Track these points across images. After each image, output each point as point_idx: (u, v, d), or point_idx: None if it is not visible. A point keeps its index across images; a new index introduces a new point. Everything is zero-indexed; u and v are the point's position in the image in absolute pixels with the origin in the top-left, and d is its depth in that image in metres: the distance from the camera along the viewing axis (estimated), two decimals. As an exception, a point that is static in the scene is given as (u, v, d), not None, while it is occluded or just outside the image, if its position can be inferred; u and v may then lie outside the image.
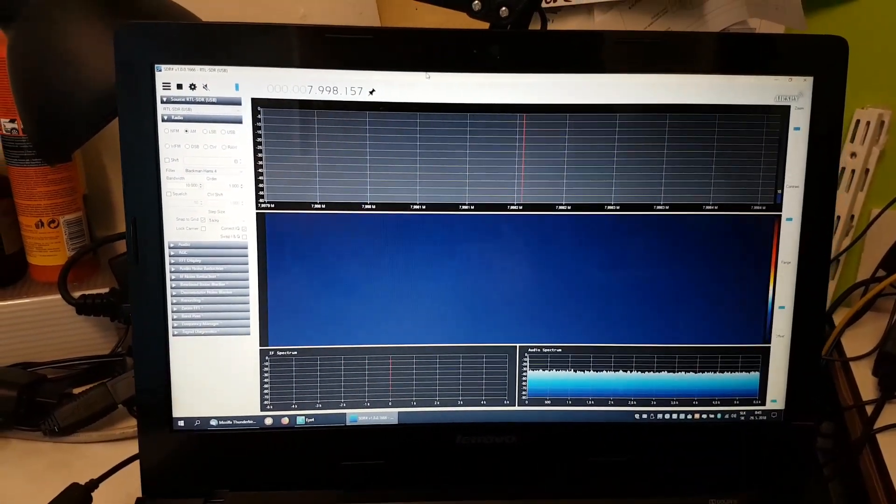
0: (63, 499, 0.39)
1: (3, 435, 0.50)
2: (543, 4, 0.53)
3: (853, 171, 0.69)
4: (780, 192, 0.42)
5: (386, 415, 0.42)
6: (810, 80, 0.41)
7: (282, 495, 0.40)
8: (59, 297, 0.56)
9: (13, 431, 0.50)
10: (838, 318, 0.66)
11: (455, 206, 0.40)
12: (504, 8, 0.39)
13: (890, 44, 0.65)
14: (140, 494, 0.40)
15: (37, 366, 0.56)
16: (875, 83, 0.67)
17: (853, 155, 0.69)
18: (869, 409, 0.53)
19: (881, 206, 0.67)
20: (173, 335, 0.40)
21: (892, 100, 0.67)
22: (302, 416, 0.42)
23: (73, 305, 0.56)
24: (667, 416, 0.43)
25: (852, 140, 0.69)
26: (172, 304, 0.40)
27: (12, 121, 0.54)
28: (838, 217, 0.70)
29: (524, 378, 0.43)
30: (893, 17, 0.64)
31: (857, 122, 0.68)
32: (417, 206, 0.40)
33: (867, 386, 0.56)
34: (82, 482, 0.41)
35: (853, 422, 0.55)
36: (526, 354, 0.42)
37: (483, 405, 0.43)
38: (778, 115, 0.41)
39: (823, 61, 0.41)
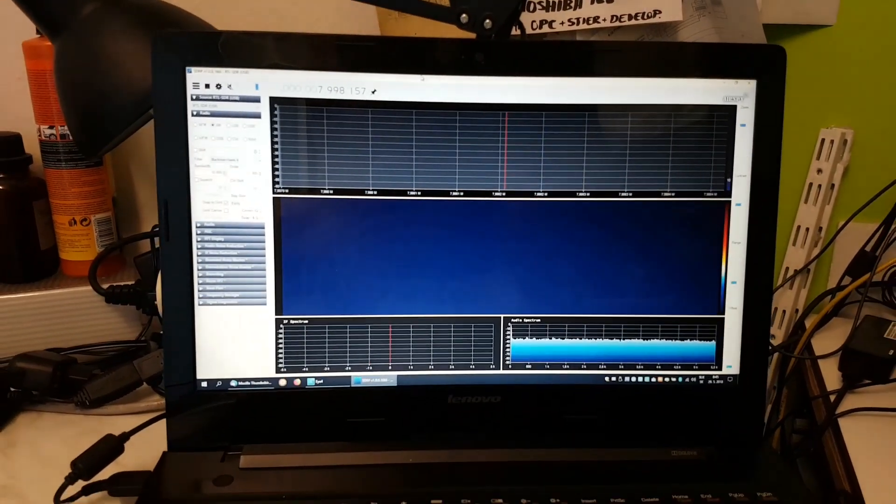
0: (99, 446, 0.44)
1: (38, 408, 0.55)
2: (530, 31, 0.59)
3: (819, 186, 0.74)
4: (729, 180, 0.48)
5: (386, 377, 0.48)
6: (754, 82, 0.47)
7: (295, 447, 0.45)
8: (89, 288, 0.62)
9: (47, 405, 0.55)
10: (809, 322, 0.71)
11: (446, 193, 0.46)
12: (488, 20, 0.46)
13: (853, 69, 0.71)
14: (166, 448, 0.45)
15: (68, 350, 0.61)
16: (839, 105, 0.73)
17: (819, 171, 0.74)
18: (833, 399, 0.58)
19: (846, 219, 0.72)
20: (199, 304, 0.46)
21: (854, 120, 0.73)
22: (312, 378, 0.47)
23: (102, 295, 0.61)
24: (633, 378, 0.49)
25: (818, 157, 0.74)
26: (198, 276, 0.45)
27: (51, 127, 0.60)
28: (807, 229, 0.75)
29: (507, 345, 0.48)
30: (856, 45, 0.71)
31: (823, 140, 0.74)
32: (413, 193, 0.46)
33: (833, 380, 0.62)
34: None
35: (820, 411, 0.60)
36: (509, 324, 0.48)
37: (472, 369, 0.48)
38: (726, 113, 0.47)
39: (765, 67, 0.47)
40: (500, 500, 0.41)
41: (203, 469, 0.44)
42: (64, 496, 0.43)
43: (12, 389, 0.54)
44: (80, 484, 0.44)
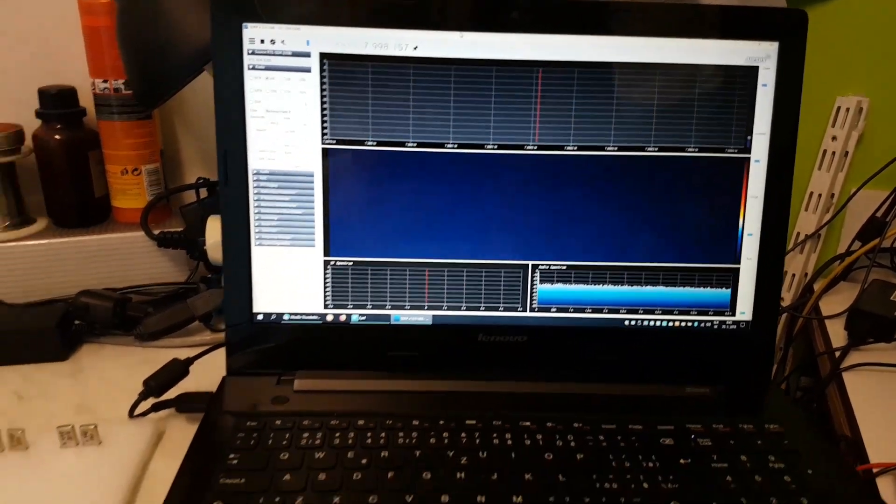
0: (167, 369, 0.49)
1: (99, 340, 0.60)
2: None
3: (833, 154, 0.76)
4: (749, 138, 0.51)
5: (423, 316, 0.52)
6: (776, 45, 0.50)
7: (341, 374, 0.50)
8: (140, 233, 0.66)
9: (108, 337, 0.60)
10: (818, 285, 0.74)
11: (481, 146, 0.50)
12: (524, -18, 0.49)
13: (870, 38, 0.73)
14: (225, 374, 0.50)
15: (122, 290, 0.66)
16: (855, 73, 0.75)
17: (834, 138, 0.76)
18: (838, 355, 0.62)
19: (858, 186, 0.75)
20: (255, 245, 0.50)
21: (870, 88, 0.75)
22: (356, 315, 0.51)
23: (154, 240, 0.65)
24: (651, 322, 0.52)
25: (833, 125, 0.76)
26: (254, 219, 0.49)
27: (104, 81, 0.64)
28: (819, 195, 0.77)
29: (534, 290, 0.52)
30: (874, 14, 0.72)
31: (838, 108, 0.75)
32: (450, 145, 0.50)
33: (839, 339, 0.65)
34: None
35: (825, 367, 0.63)
36: (536, 271, 0.52)
37: (500, 311, 0.52)
38: (748, 74, 0.50)
39: (787, 29, 0.50)
40: (528, 423, 0.46)
41: (260, 391, 0.48)
42: (136, 412, 0.48)
43: (77, 322, 0.59)
44: (150, 402, 0.48)
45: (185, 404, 0.49)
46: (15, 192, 0.66)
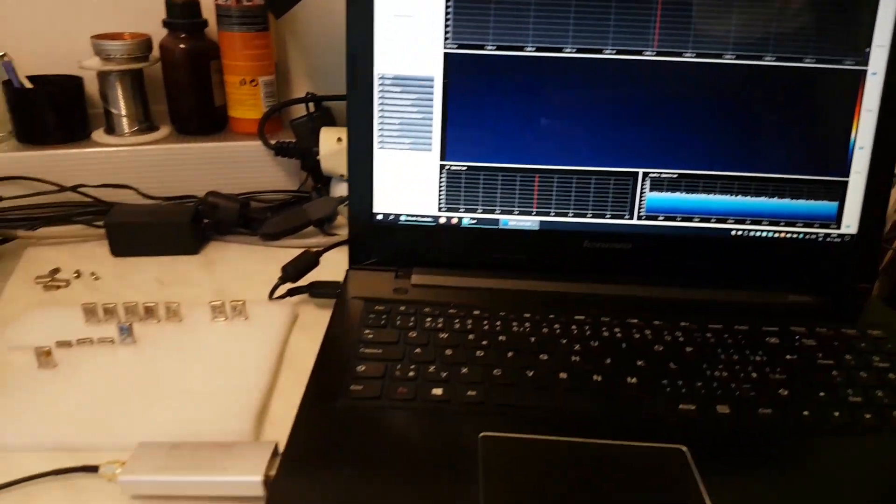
0: (301, 258, 0.54)
1: (226, 239, 0.65)
2: None
3: None
4: (867, 50, 0.50)
5: (530, 221, 0.54)
6: (904, -47, 0.49)
7: (453, 272, 0.53)
8: (258, 142, 0.70)
9: (233, 236, 0.65)
10: None
11: (599, 51, 0.51)
12: None
13: None
14: (347, 268, 0.54)
15: (239, 195, 0.70)
16: None
17: None
18: None
19: None
20: (377, 148, 0.53)
21: None
22: (467, 218, 0.54)
23: (271, 149, 0.70)
24: (758, 232, 0.54)
25: None
26: (378, 123, 0.52)
27: (226, -7, 0.67)
28: None
29: (643, 197, 0.54)
30: None
31: None
32: (569, 50, 0.51)
33: None
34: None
35: None
36: (647, 178, 0.53)
37: (607, 218, 0.54)
38: (873, -17, 0.49)
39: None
40: (636, 320, 0.48)
41: (380, 283, 0.52)
42: (275, 295, 0.52)
43: (205, 221, 0.64)
44: (285, 287, 0.53)
45: (317, 290, 0.53)
46: (142, 98, 0.70)
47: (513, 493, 0.34)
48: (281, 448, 0.37)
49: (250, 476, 0.35)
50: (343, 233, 0.65)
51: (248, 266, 0.61)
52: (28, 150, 0.67)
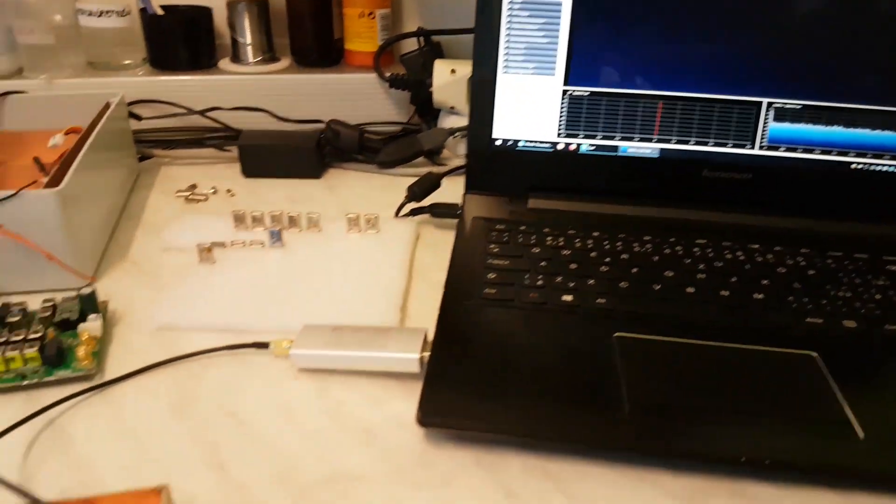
0: (425, 179, 0.56)
1: (343, 166, 0.69)
2: None
3: None
4: None
5: (650, 149, 0.55)
6: None
7: (569, 198, 0.55)
8: (373, 75, 0.73)
9: (350, 164, 0.68)
10: None
11: (730, -23, 0.51)
12: None
13: None
14: (466, 191, 0.57)
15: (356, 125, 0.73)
16: None
17: None
18: None
19: None
20: (501, 72, 0.54)
21: None
22: (586, 144, 0.56)
23: (386, 81, 0.72)
24: (879, 167, 0.53)
25: None
26: (504, 47, 0.54)
27: (347, -72, 0.69)
28: None
29: (766, 127, 0.54)
30: None
31: None
32: (700, -25, 0.51)
33: None
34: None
35: None
36: (771, 108, 0.53)
37: (729, 147, 0.54)
38: None
39: None
40: (757, 246, 0.49)
41: (498, 206, 0.54)
42: (400, 213, 0.56)
43: (327, 147, 0.67)
44: (408, 207, 0.56)
45: (438, 210, 0.56)
46: (267, 29, 0.74)
47: (653, 389, 0.37)
48: (429, 336, 0.40)
49: (409, 353, 0.38)
50: (451, 164, 0.67)
51: (366, 191, 0.64)
52: (161, 75, 0.72)
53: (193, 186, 0.63)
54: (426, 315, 0.45)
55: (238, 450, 0.36)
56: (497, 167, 0.57)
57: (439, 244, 0.54)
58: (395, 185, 0.65)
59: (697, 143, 0.55)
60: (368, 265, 0.49)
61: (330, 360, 0.39)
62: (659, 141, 0.55)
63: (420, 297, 0.48)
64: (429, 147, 0.68)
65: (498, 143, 0.56)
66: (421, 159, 0.68)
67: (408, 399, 0.39)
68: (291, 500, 0.33)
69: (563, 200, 0.55)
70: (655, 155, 0.55)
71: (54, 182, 0.45)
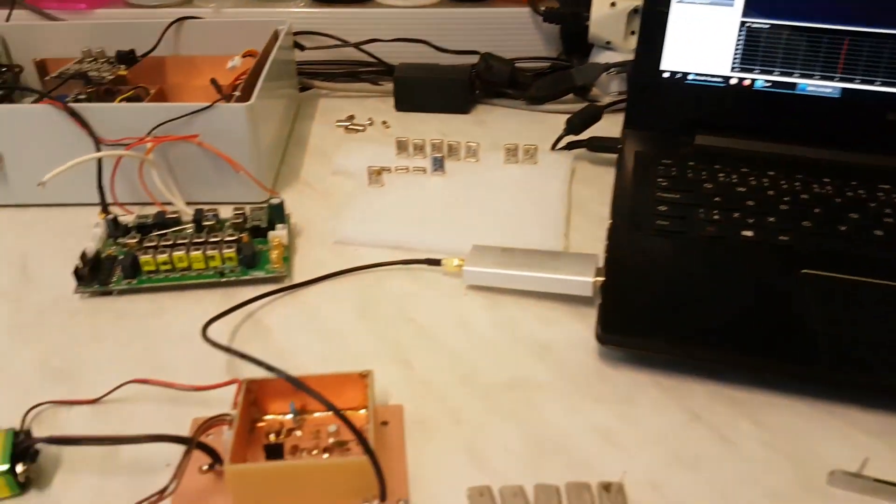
0: (586, 111, 0.56)
1: (492, 102, 0.69)
2: None
3: None
4: None
5: (831, 88, 0.52)
6: None
7: (737, 138, 0.53)
8: (524, 9, 0.72)
9: (499, 100, 0.68)
10: None
11: None
12: None
13: None
14: (625, 127, 0.55)
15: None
16: None
17: None
18: None
19: None
20: (676, 2, 0.52)
21: None
22: (761, 80, 0.53)
23: (540, 15, 0.71)
24: None
25: None
26: (681, -25, 0.52)
27: None
28: None
29: (969, 66, 0.49)
30: None
31: None
32: None
33: None
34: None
35: None
36: (977, 44, 0.48)
37: (921, 88, 0.50)
38: None
39: None
40: (953, 193, 0.45)
41: (661, 142, 0.53)
42: (558, 146, 0.55)
43: (477, 82, 0.68)
44: (566, 139, 0.56)
45: (596, 143, 0.55)
46: (421, -35, 0.74)
47: (846, 324, 0.35)
48: (599, 262, 0.40)
49: (583, 277, 0.38)
50: (604, 101, 0.65)
51: (515, 125, 0.64)
52: (321, 7, 0.74)
53: (351, 117, 0.65)
54: (588, 246, 0.45)
55: (420, 351, 0.38)
56: (662, 102, 0.55)
57: (595, 179, 0.54)
58: (542, 121, 0.65)
59: (884, 84, 0.51)
60: (529, 194, 0.50)
61: (502, 278, 0.40)
62: (841, 80, 0.51)
63: (580, 228, 0.48)
64: (581, 83, 0.66)
65: (666, 75, 0.54)
66: (571, 97, 0.67)
67: (579, 321, 0.39)
68: (478, 398, 0.34)
69: (732, 138, 0.53)
70: (836, 95, 0.52)
71: (242, 99, 0.48)
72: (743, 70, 0.53)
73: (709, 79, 0.54)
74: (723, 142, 0.53)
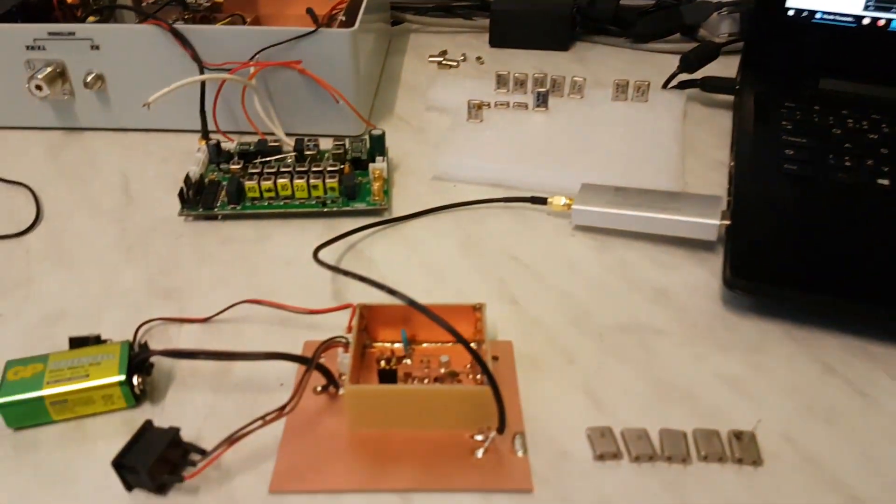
0: (702, 48, 0.52)
1: (592, 39, 0.65)
2: None
3: None
4: None
5: (982, 28, 0.47)
6: None
7: (864, 84, 0.48)
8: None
9: (600, 37, 0.65)
10: None
11: None
12: None
13: None
14: (739, 66, 0.52)
15: None
16: None
17: None
18: None
19: None
20: (809, -69, 0.48)
21: None
22: (900, 19, 0.48)
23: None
24: None
25: None
26: None
27: None
28: None
29: None
30: None
31: None
32: None
33: None
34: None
35: None
36: None
37: None
38: None
39: None
40: None
41: (781, 85, 0.49)
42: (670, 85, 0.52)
43: (579, 17, 0.64)
44: (679, 78, 0.53)
45: (711, 83, 0.52)
46: None
47: None
48: (723, 205, 0.38)
49: (709, 219, 0.36)
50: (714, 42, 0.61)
51: (618, 64, 0.61)
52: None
53: (444, 52, 0.63)
54: (704, 189, 0.43)
55: (527, 289, 0.36)
56: (785, 42, 0.51)
57: (708, 119, 0.51)
58: (646, 60, 0.61)
59: None
60: (640, 133, 0.47)
61: (615, 219, 0.38)
62: None
63: (695, 171, 0.45)
64: (690, 22, 0.63)
65: (791, 13, 0.50)
66: (676, 36, 0.64)
67: (700, 266, 0.37)
68: (591, 340, 0.33)
69: (861, 84, 0.49)
70: None
71: (346, 25, 0.47)
72: (878, 9, 0.48)
73: (839, 18, 0.49)
74: (850, 86, 0.49)
